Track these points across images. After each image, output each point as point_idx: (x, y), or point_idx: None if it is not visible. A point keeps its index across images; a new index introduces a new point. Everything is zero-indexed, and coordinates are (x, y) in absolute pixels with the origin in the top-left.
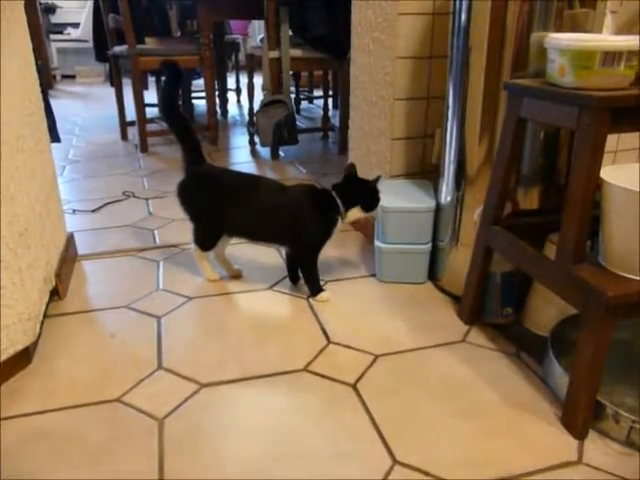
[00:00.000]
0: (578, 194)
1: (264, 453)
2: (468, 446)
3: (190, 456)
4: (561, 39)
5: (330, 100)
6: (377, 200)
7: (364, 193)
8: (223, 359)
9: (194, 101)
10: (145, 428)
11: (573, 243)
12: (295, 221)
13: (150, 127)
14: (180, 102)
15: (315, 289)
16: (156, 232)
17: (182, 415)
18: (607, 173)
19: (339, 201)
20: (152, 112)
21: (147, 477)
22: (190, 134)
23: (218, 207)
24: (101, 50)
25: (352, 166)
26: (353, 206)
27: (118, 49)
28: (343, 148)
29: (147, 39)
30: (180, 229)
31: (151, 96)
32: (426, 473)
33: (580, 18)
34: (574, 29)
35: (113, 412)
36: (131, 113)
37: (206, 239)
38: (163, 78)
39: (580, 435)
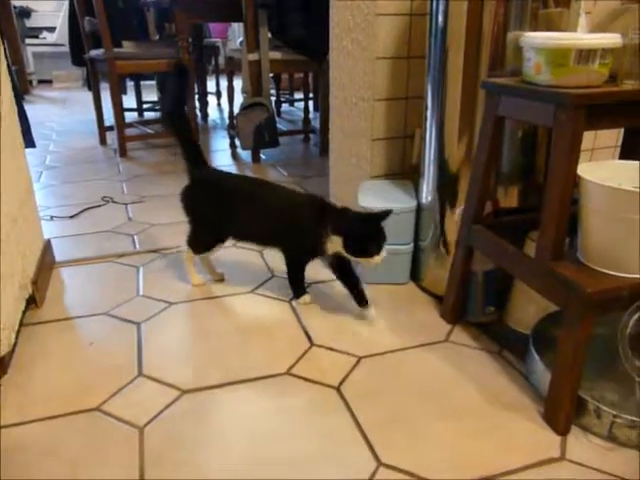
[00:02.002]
0: (556, 191)
1: (247, 458)
2: (453, 446)
3: (172, 464)
4: (537, 38)
5: (311, 102)
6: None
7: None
8: (205, 364)
9: None
10: (125, 437)
11: (552, 240)
12: (288, 224)
13: (129, 132)
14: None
15: (297, 292)
16: (135, 237)
17: (163, 423)
18: (584, 170)
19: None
20: (131, 117)
21: None
22: (192, 138)
23: (225, 212)
24: (78, 54)
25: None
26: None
27: (94, 53)
28: (324, 150)
29: (124, 42)
30: (160, 234)
31: (130, 100)
32: (411, 474)
33: (555, 17)
34: (549, 28)
35: (92, 422)
36: (110, 118)
37: (202, 243)
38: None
39: (563, 431)
